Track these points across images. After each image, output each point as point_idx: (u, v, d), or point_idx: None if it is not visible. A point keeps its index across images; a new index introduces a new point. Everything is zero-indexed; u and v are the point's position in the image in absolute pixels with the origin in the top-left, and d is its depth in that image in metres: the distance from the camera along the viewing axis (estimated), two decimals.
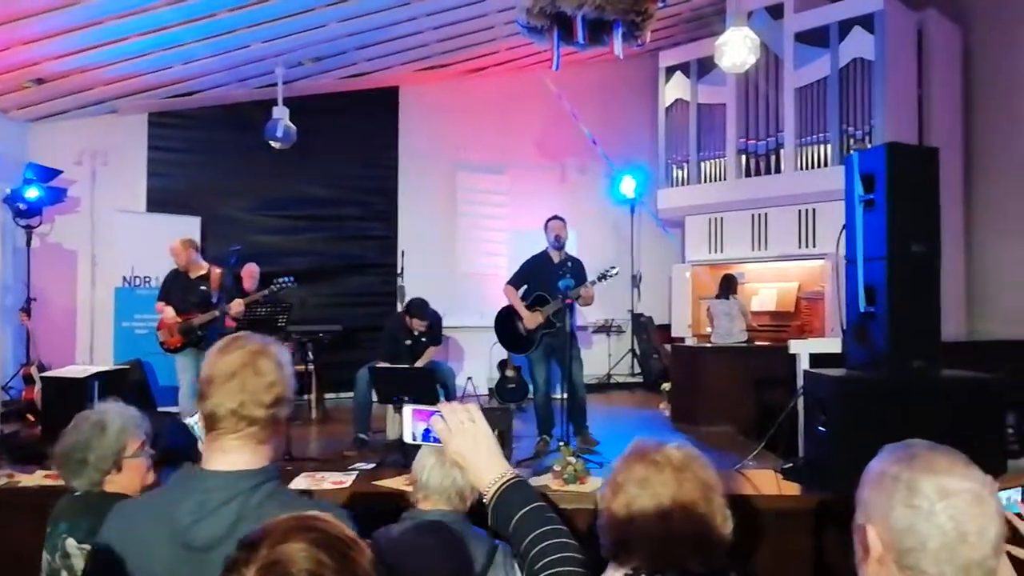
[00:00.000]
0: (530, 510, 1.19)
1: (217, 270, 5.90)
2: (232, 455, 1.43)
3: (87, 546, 2.00)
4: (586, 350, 6.73)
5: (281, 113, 7.74)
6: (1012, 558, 1.54)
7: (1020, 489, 1.67)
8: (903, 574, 1.09)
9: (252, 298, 5.96)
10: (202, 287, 5.79)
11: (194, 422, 2.31)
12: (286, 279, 5.80)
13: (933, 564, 1.06)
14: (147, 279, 7.63)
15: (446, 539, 2.11)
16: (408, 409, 1.37)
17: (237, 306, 5.64)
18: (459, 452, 1.26)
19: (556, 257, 5.67)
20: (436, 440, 1.30)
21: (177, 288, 5.84)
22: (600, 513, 1.50)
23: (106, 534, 1.46)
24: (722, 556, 1.49)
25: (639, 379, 9.59)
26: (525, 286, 5.75)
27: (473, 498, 2.36)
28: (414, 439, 1.37)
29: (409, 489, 3.67)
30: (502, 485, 1.23)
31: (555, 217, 5.74)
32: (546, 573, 1.13)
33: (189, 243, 5.95)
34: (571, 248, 5.96)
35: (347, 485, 3.76)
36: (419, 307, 6.08)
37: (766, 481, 3.70)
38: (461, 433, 1.27)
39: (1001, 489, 1.61)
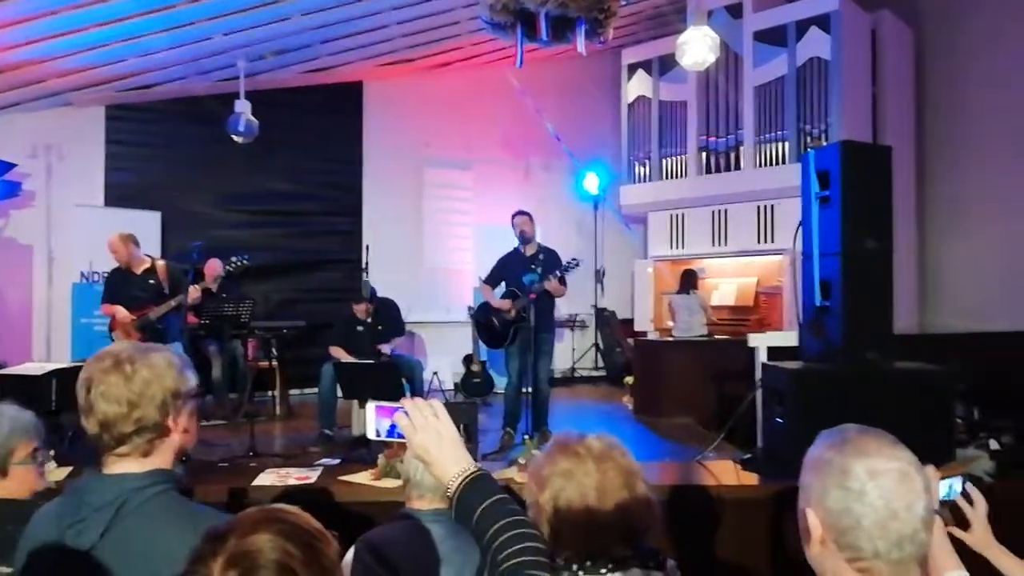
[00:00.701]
0: (492, 503, 1.22)
1: (161, 262, 5.77)
2: (122, 461, 1.44)
3: None
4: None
5: (243, 107, 7.65)
6: (954, 539, 1.63)
7: (961, 478, 1.76)
8: (843, 553, 1.15)
9: (207, 284, 5.89)
10: (150, 280, 5.64)
11: None
12: (241, 257, 5.75)
13: (868, 540, 1.12)
14: (105, 275, 7.48)
15: (462, 538, 2.10)
16: (371, 406, 1.39)
17: (195, 292, 5.54)
18: (423, 447, 1.29)
19: (528, 251, 5.72)
20: (400, 436, 1.32)
21: (123, 286, 5.66)
22: (528, 507, 1.53)
23: (23, 538, 1.47)
24: (650, 540, 1.55)
25: (602, 373, 9.70)
26: (503, 283, 5.83)
27: None
28: (378, 435, 1.39)
29: (374, 483, 3.71)
30: (465, 479, 1.25)
31: (519, 212, 5.79)
32: (509, 563, 1.15)
33: (128, 237, 5.72)
34: (538, 241, 6.02)
35: (312, 480, 3.77)
36: (359, 291, 6.13)
37: (725, 471, 3.80)
38: (425, 429, 1.29)
39: (943, 477, 1.69)
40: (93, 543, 1.34)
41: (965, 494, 1.73)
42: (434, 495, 2.21)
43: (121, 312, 5.56)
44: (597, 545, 1.47)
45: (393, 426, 1.35)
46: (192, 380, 1.52)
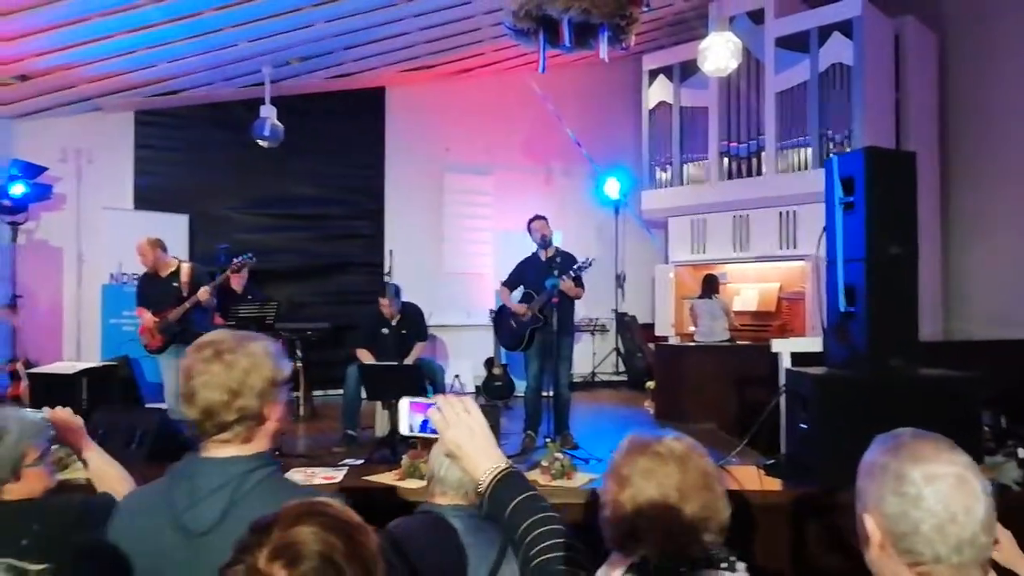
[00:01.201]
0: (524, 499, 1.24)
1: (186, 265, 5.90)
2: (225, 447, 1.48)
3: (6, 560, 1.90)
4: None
5: (268, 112, 7.75)
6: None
7: (989, 482, 1.76)
8: (902, 558, 1.15)
9: (214, 284, 5.93)
10: (173, 283, 5.78)
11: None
12: (246, 255, 5.85)
13: (927, 546, 1.12)
14: (135, 276, 7.59)
15: (478, 533, 2.11)
16: (405, 401, 1.43)
17: (204, 294, 5.62)
18: (455, 442, 1.31)
19: (544, 255, 5.76)
20: (433, 431, 1.35)
21: (150, 289, 5.84)
22: (604, 505, 1.54)
23: (113, 528, 1.50)
24: (721, 540, 1.57)
25: (623, 377, 9.69)
26: (520, 287, 5.88)
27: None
28: (411, 431, 1.43)
29: (398, 484, 3.75)
30: (497, 475, 1.28)
31: (537, 217, 5.84)
32: (540, 559, 1.17)
33: (155, 242, 5.87)
34: (556, 245, 6.05)
35: (337, 480, 3.82)
36: (386, 287, 6.17)
37: (748, 477, 3.79)
38: (457, 424, 1.32)
39: None
40: (212, 524, 1.38)
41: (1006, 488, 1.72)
42: (456, 492, 2.23)
43: (147, 316, 5.70)
44: (674, 544, 1.48)
45: (425, 421, 1.38)
46: (287, 368, 1.56)
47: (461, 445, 1.31)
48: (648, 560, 1.46)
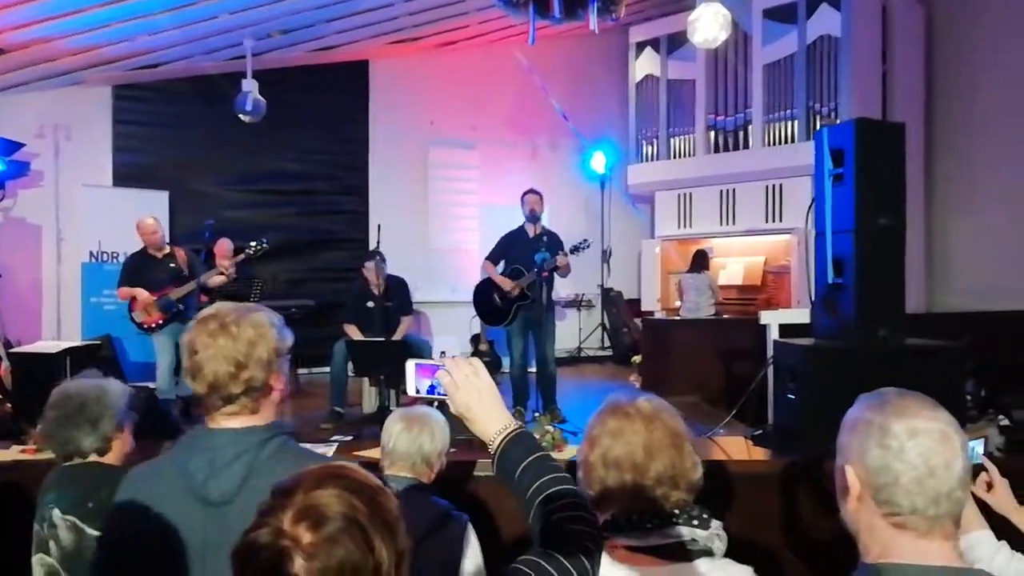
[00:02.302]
0: (535, 459, 1.25)
1: (180, 250, 5.90)
2: (234, 418, 1.48)
3: (71, 517, 2.03)
4: (557, 324, 6.81)
5: (250, 86, 7.64)
6: (977, 500, 1.66)
7: (982, 440, 1.78)
8: (880, 508, 1.18)
9: (233, 260, 5.93)
10: (171, 264, 5.78)
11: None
12: (260, 240, 5.81)
13: (905, 497, 1.15)
14: (115, 254, 7.52)
15: (405, 506, 2.15)
16: (411, 364, 1.42)
17: (224, 272, 5.61)
18: (465, 404, 1.31)
19: (532, 231, 5.74)
20: (442, 394, 1.35)
21: (146, 268, 5.77)
22: (579, 466, 1.57)
23: (121, 498, 1.50)
24: (692, 499, 1.58)
25: (609, 352, 9.73)
26: (503, 261, 5.84)
27: (441, 466, 2.39)
28: (418, 393, 1.42)
29: None
30: (507, 436, 1.28)
31: (531, 191, 5.81)
32: (553, 517, 1.18)
33: (158, 221, 5.91)
34: (543, 223, 6.02)
35: (329, 456, 3.80)
36: (370, 253, 6.13)
37: (736, 447, 3.81)
38: (466, 386, 1.32)
39: (969, 439, 1.72)
40: (233, 494, 1.39)
41: (988, 455, 1.76)
42: (403, 463, 2.28)
43: (143, 294, 5.63)
44: (643, 501, 1.50)
45: (433, 385, 1.37)
46: (290, 338, 1.58)
47: (471, 407, 1.32)
48: (618, 516, 1.48)
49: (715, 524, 1.55)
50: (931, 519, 1.15)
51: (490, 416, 1.31)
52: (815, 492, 3.11)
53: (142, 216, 5.86)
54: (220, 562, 1.35)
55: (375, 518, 0.92)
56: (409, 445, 2.27)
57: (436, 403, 2.19)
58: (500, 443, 1.28)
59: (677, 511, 1.51)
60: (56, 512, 2.05)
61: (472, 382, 1.32)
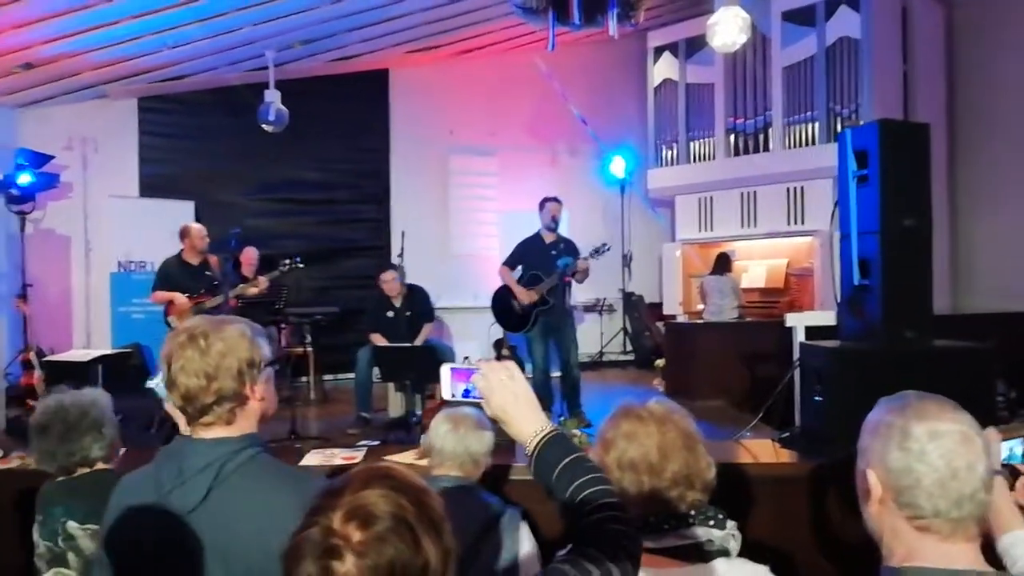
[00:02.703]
0: (571, 460, 1.26)
1: (213, 257, 5.97)
2: (210, 428, 1.50)
3: (91, 526, 2.04)
4: (579, 329, 6.83)
5: (273, 96, 7.74)
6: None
7: (1021, 440, 1.78)
8: (902, 511, 1.18)
9: (268, 277, 6.01)
10: (207, 272, 5.87)
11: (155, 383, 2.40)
12: (294, 259, 5.87)
13: (928, 499, 1.15)
14: (142, 264, 7.64)
15: (456, 504, 2.19)
16: (446, 368, 1.45)
17: (258, 287, 5.74)
18: (501, 407, 1.33)
19: (548, 238, 5.76)
20: (477, 397, 1.38)
21: (185, 276, 5.85)
22: None
23: (110, 508, 1.53)
24: (707, 499, 1.61)
25: (631, 357, 9.71)
26: (520, 267, 5.85)
27: (487, 464, 2.44)
28: (453, 397, 1.45)
29: (417, 462, 3.78)
30: (543, 438, 1.29)
31: (553, 199, 5.81)
32: (591, 518, 1.20)
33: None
34: (562, 229, 6.03)
35: (358, 460, 3.84)
36: (387, 266, 6.20)
37: (764, 450, 3.80)
38: (502, 390, 1.33)
39: (1006, 439, 1.72)
40: (196, 504, 1.40)
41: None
42: (452, 462, 2.33)
43: (180, 298, 5.70)
44: (660, 503, 1.53)
45: (468, 389, 1.40)
46: (266, 348, 1.57)
47: (507, 409, 1.33)
48: (635, 519, 1.50)
49: (730, 524, 1.57)
50: (954, 521, 1.15)
51: (526, 418, 1.32)
52: (843, 494, 3.10)
53: (187, 222, 5.95)
54: (185, 571, 1.39)
55: (422, 517, 0.94)
56: (456, 445, 2.33)
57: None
58: (537, 445, 1.29)
59: (694, 512, 1.55)
60: (72, 524, 2.07)
61: (507, 385, 1.33)
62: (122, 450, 2.30)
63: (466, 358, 8.39)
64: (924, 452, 1.16)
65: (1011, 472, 1.72)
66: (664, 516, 1.52)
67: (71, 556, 2.06)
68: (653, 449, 1.55)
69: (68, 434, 2.17)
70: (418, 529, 0.92)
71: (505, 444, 3.92)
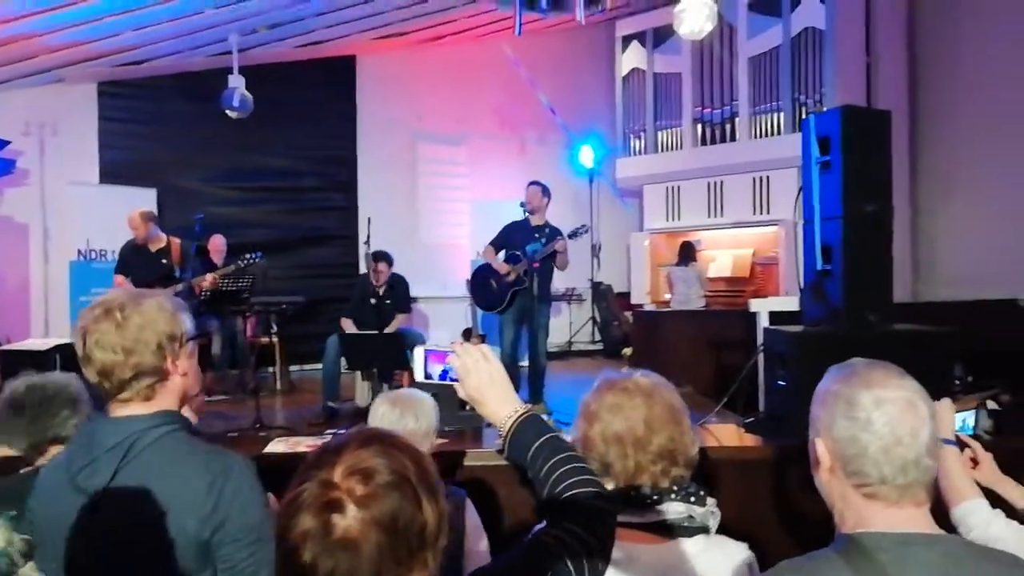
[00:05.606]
0: (546, 440, 1.26)
1: (177, 241, 5.84)
2: (126, 406, 1.47)
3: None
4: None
5: (237, 82, 7.60)
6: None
7: (974, 412, 1.81)
8: (850, 479, 1.20)
9: (222, 272, 5.92)
10: (163, 260, 5.73)
11: None
12: (254, 255, 5.78)
13: (874, 467, 1.17)
14: (103, 252, 7.48)
15: None
16: (420, 350, 1.44)
17: (212, 280, 5.59)
18: (476, 388, 1.33)
19: (535, 221, 5.74)
20: (453, 379, 1.37)
21: (137, 262, 5.74)
22: (576, 442, 1.59)
23: (32, 490, 1.50)
24: (689, 475, 1.60)
25: (599, 346, 9.75)
26: (503, 249, 5.85)
27: (430, 447, 2.39)
28: (428, 379, 1.44)
29: None
30: (518, 419, 1.30)
31: (533, 183, 5.80)
32: (568, 493, 1.20)
33: (148, 215, 5.86)
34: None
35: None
36: (382, 253, 6.14)
37: (728, 434, 3.84)
38: (477, 371, 1.33)
39: (959, 411, 1.75)
40: (104, 484, 1.37)
41: (976, 436, 1.78)
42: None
43: (128, 286, 5.57)
44: (642, 477, 1.52)
45: (445, 370, 1.39)
46: (187, 323, 1.53)
47: (482, 390, 1.33)
48: (618, 492, 1.49)
49: (710, 501, 1.57)
50: (901, 488, 1.16)
51: (501, 399, 1.32)
52: (805, 473, 3.15)
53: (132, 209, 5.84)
54: (96, 552, 1.36)
55: (422, 478, 0.94)
56: (393, 425, 2.27)
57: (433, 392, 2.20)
58: (512, 425, 1.29)
59: (676, 488, 1.54)
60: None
61: (482, 366, 1.33)
62: None
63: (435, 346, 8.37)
64: (870, 421, 1.17)
65: (959, 444, 1.75)
66: (646, 491, 1.52)
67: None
68: (639, 422, 1.54)
69: (45, 406, 2.07)
70: (418, 489, 0.92)
71: (472, 430, 3.92)
